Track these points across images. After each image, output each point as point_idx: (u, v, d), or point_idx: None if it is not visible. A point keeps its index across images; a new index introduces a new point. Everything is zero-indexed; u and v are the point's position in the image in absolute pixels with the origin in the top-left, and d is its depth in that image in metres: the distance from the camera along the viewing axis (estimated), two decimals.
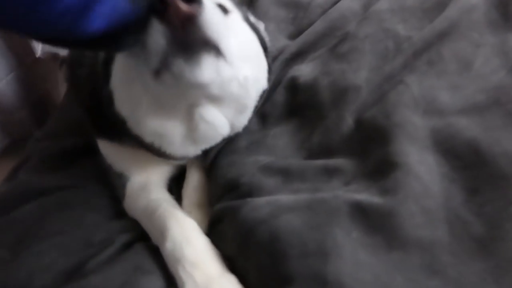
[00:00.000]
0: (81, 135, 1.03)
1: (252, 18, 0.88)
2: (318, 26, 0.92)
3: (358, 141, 0.63)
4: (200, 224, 0.72)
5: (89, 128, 0.92)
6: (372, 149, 0.59)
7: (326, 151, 0.66)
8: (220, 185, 0.72)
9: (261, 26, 0.90)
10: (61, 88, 1.69)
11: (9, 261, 0.82)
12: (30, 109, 1.72)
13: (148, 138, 0.74)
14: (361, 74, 0.70)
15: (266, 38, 0.86)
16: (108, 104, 0.74)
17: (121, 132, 0.78)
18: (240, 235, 0.57)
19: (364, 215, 0.51)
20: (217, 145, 0.82)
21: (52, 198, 0.89)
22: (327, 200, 0.54)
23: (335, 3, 0.98)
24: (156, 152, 0.79)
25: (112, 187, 0.87)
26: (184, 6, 0.50)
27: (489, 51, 0.65)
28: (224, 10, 0.67)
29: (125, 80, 0.70)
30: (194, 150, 0.76)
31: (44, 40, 0.53)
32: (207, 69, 0.55)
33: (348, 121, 0.65)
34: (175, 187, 0.88)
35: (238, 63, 0.64)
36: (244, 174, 0.68)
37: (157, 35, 0.52)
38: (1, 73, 1.61)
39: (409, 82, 0.64)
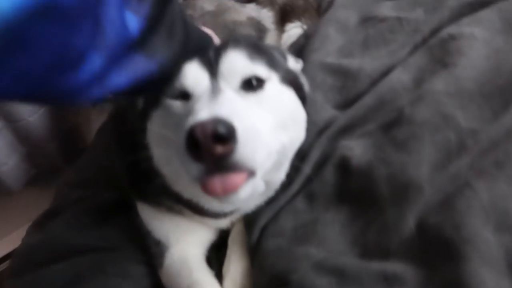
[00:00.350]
0: (116, 188, 1.01)
1: (291, 62, 0.86)
2: (367, 100, 0.90)
3: (420, 248, 0.60)
4: None
5: (128, 189, 0.90)
6: (439, 264, 0.56)
7: (383, 252, 0.63)
8: (267, 276, 0.69)
9: (298, 65, 0.89)
10: (92, 123, 1.69)
11: None
12: (59, 142, 1.73)
13: (186, 195, 0.74)
14: (423, 170, 0.67)
15: (305, 85, 0.85)
16: (146, 159, 0.73)
17: (160, 190, 0.77)
18: None
19: None
20: (258, 210, 0.80)
21: (86, 260, 0.87)
22: None
23: (385, 73, 0.95)
24: (195, 209, 0.77)
25: (149, 253, 0.85)
26: (219, 149, 0.50)
27: None
28: (259, 81, 0.65)
29: (161, 137, 0.69)
30: (231, 206, 0.76)
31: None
32: (243, 192, 0.55)
33: (410, 223, 0.62)
34: (215, 258, 0.85)
35: (276, 136, 0.64)
36: (295, 271, 0.65)
37: (190, 165, 0.53)
38: (34, 107, 1.62)
39: (477, 187, 0.61)
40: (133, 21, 0.47)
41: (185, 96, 0.64)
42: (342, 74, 0.99)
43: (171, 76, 0.62)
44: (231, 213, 0.81)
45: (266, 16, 1.44)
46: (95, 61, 0.43)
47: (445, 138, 0.70)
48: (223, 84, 0.63)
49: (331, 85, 0.97)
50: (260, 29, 1.37)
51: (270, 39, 1.39)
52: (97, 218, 0.95)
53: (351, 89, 0.96)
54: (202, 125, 0.49)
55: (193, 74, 0.63)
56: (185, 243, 0.83)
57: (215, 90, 0.62)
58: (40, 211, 1.71)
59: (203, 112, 0.52)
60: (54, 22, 0.38)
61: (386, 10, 1.14)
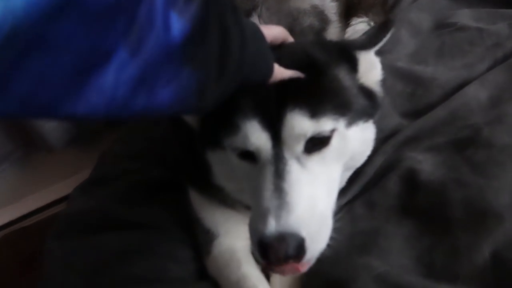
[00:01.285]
0: (167, 167, 1.01)
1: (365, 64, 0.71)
2: (439, 112, 0.86)
3: (495, 280, 0.57)
4: None
5: (182, 175, 0.90)
6: None
7: (451, 276, 0.61)
8: (323, 281, 0.68)
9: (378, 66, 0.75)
10: None
11: None
12: None
13: (245, 202, 0.74)
14: (503, 198, 0.64)
15: (380, 95, 0.74)
16: (206, 172, 0.73)
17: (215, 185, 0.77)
18: None
19: None
20: None
21: (134, 236, 0.88)
22: None
23: (459, 86, 0.91)
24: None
25: (196, 240, 0.85)
26: (290, 264, 0.55)
27: None
28: (321, 143, 0.60)
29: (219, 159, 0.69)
30: None
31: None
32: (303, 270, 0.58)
33: (484, 252, 0.60)
34: None
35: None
36: (354, 280, 0.63)
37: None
38: None
39: None
40: (178, 24, 0.40)
41: (249, 154, 0.61)
42: (413, 81, 0.95)
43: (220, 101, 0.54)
44: None
45: (330, 6, 1.39)
46: (124, 60, 0.37)
47: None
48: (286, 151, 0.59)
49: (401, 91, 0.94)
50: (323, 19, 1.32)
51: (332, 31, 1.34)
52: (146, 194, 0.95)
53: (422, 98, 0.92)
54: (275, 249, 0.53)
55: (255, 137, 0.59)
56: (235, 234, 0.82)
57: (278, 160, 0.59)
58: (78, 169, 1.75)
59: (271, 225, 0.54)
60: (77, 20, 0.33)
61: (465, 18, 1.08)
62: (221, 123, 0.62)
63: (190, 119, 0.70)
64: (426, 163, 0.77)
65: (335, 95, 0.62)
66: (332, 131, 0.60)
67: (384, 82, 0.94)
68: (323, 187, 0.61)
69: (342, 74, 0.65)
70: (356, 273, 0.65)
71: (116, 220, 0.92)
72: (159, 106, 0.43)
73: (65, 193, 1.85)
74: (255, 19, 1.12)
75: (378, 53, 1.01)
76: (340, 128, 0.61)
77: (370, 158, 0.82)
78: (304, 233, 0.55)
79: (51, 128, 1.66)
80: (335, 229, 0.69)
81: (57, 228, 1.03)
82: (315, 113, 0.58)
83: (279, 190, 0.56)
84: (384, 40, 0.69)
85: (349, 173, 0.74)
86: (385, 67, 0.97)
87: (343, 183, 0.76)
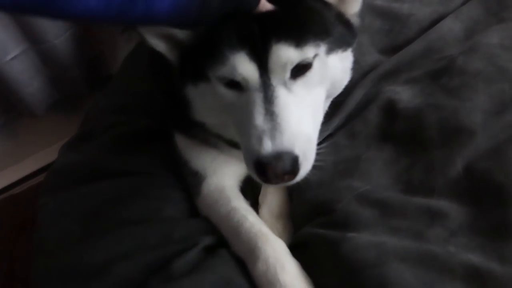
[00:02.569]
0: (152, 116, 1.02)
1: None
2: (415, 46, 0.89)
3: (467, 190, 0.62)
4: (279, 236, 0.72)
5: (165, 119, 0.91)
6: (487, 206, 0.58)
7: (427, 190, 0.65)
8: (309, 206, 0.72)
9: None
10: (117, 52, 1.67)
11: (81, 238, 0.84)
12: (83, 68, 1.72)
13: (227, 136, 0.78)
14: (476, 116, 0.68)
15: (357, 25, 0.74)
16: (185, 107, 0.74)
17: (195, 124, 0.79)
18: (342, 273, 0.58)
19: (481, 283, 0.50)
20: None
21: (125, 182, 0.90)
22: (439, 257, 0.54)
23: (435, 21, 0.93)
24: (230, 143, 0.80)
25: (185, 182, 0.87)
26: (286, 179, 0.59)
27: None
28: (304, 68, 0.63)
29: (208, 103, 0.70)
30: None
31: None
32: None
33: (457, 165, 0.64)
34: (250, 189, 0.88)
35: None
36: (338, 201, 0.67)
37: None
38: (60, 30, 1.59)
39: None
40: None
41: (236, 84, 0.63)
42: (391, 17, 0.97)
43: (214, 17, 0.57)
44: None
45: None
46: None
47: (500, 88, 0.71)
48: (273, 78, 0.62)
49: (379, 28, 0.96)
50: None
51: None
52: (134, 143, 0.96)
53: (399, 34, 0.94)
54: (273, 167, 0.57)
55: (243, 68, 0.61)
56: (222, 174, 0.85)
57: (266, 87, 0.61)
58: (63, 136, 1.74)
59: (267, 145, 0.58)
60: None
61: None
62: (208, 55, 0.63)
63: (171, 56, 0.71)
64: (404, 93, 0.80)
65: (314, 23, 0.64)
66: (314, 56, 0.62)
67: (362, 20, 0.96)
68: (309, 110, 0.63)
69: (317, 5, 0.67)
70: (339, 194, 0.68)
71: (106, 170, 0.93)
72: (158, 14, 0.44)
73: (52, 159, 1.85)
74: None
75: None
76: (321, 54, 0.63)
77: (351, 91, 0.85)
78: (297, 150, 0.58)
79: (32, 93, 1.64)
80: (319, 157, 0.73)
81: (47, 184, 1.04)
82: (299, 42, 0.60)
83: (270, 114, 0.59)
84: None
85: (330, 101, 0.76)
86: (364, 5, 0.99)
87: (325, 109, 0.78)
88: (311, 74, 0.63)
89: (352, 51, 0.71)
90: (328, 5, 0.68)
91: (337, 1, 0.69)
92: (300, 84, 0.62)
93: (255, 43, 0.60)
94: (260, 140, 0.58)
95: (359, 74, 0.88)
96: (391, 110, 0.78)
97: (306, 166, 0.61)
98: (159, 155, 0.94)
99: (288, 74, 0.62)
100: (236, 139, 0.73)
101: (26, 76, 1.61)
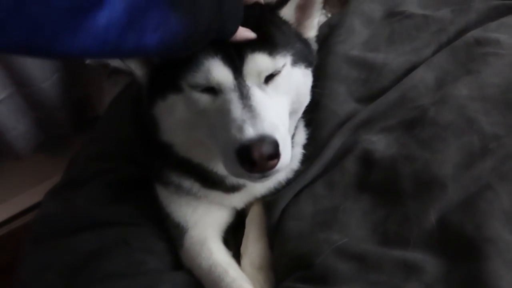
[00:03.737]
0: (136, 164, 1.03)
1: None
2: (390, 95, 0.93)
3: (441, 242, 0.64)
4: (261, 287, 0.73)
5: (149, 171, 0.92)
6: (460, 259, 0.60)
7: (403, 242, 0.67)
8: (289, 258, 0.73)
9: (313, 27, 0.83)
10: (103, 94, 1.69)
11: None
12: (69, 110, 1.73)
13: (196, 159, 0.79)
14: (446, 169, 0.70)
15: (314, 48, 0.84)
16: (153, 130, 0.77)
17: (168, 163, 0.83)
18: None
19: None
20: (277, 197, 0.84)
21: (110, 233, 0.90)
22: None
23: (408, 70, 0.98)
24: (205, 181, 0.82)
25: (169, 234, 0.88)
26: (270, 164, 0.60)
27: None
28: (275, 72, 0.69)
29: (179, 116, 0.72)
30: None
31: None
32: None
33: (431, 218, 0.66)
34: (232, 239, 0.89)
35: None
36: (318, 254, 0.69)
37: (235, 167, 0.62)
38: (47, 73, 1.62)
39: (498, 190, 0.65)
40: None
41: (210, 90, 0.67)
42: (366, 67, 1.01)
43: (199, 45, 0.61)
44: (238, 187, 0.84)
45: None
46: (115, 6, 0.41)
47: (469, 141, 0.74)
48: (248, 81, 0.66)
49: (356, 78, 1.00)
50: None
51: None
52: (120, 193, 0.97)
53: (375, 83, 0.98)
54: (259, 148, 0.59)
55: (218, 72, 0.65)
56: (203, 225, 0.87)
57: (241, 87, 0.65)
58: (47, 177, 1.74)
59: (249, 130, 0.60)
60: None
61: (412, 6, 1.15)
62: (180, 64, 0.66)
63: (140, 74, 0.74)
64: (379, 143, 0.83)
65: (280, 36, 0.71)
66: (283, 65, 0.69)
67: (339, 70, 1.00)
68: (281, 111, 0.68)
69: (280, 22, 0.76)
70: (318, 247, 0.70)
71: (91, 221, 0.94)
72: (148, 47, 0.47)
73: (36, 200, 1.83)
74: None
75: (334, 43, 1.07)
76: (288, 64, 0.70)
77: (328, 141, 0.88)
78: (277, 136, 0.61)
79: (17, 135, 1.64)
80: (298, 209, 0.75)
81: (32, 233, 1.04)
82: (271, 52, 0.67)
83: (248, 107, 0.63)
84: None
85: (295, 120, 0.79)
86: (341, 56, 1.04)
87: (292, 130, 0.81)
88: (280, 79, 0.69)
89: (312, 73, 0.78)
90: (288, 24, 0.77)
91: (296, 23, 0.78)
92: (271, 88, 0.68)
93: (229, 51, 0.66)
94: (241, 128, 0.60)
95: (336, 123, 0.92)
96: (367, 160, 0.81)
97: (285, 157, 0.62)
98: (144, 205, 0.95)
99: (262, 80, 0.68)
100: (205, 157, 0.77)
101: (12, 119, 1.62)
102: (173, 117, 0.71)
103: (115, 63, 1.58)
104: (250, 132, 0.59)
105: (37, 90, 1.61)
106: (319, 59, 1.06)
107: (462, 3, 1.12)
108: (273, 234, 0.80)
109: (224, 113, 0.64)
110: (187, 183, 0.85)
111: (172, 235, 0.88)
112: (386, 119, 0.89)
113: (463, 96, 0.84)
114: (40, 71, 1.58)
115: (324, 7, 1.38)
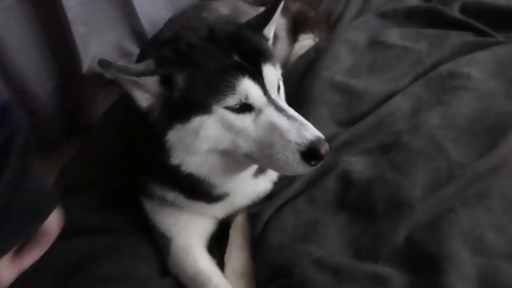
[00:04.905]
0: (125, 175, 1.08)
1: None
2: (369, 120, 1.00)
3: (408, 258, 0.71)
4: None
5: (134, 185, 0.97)
6: (422, 274, 0.67)
7: (374, 256, 0.74)
8: (270, 267, 0.79)
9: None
10: (96, 103, 1.74)
11: None
12: (62, 118, 1.77)
13: (200, 172, 0.82)
14: (415, 192, 0.78)
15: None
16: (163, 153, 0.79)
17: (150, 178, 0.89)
18: None
19: None
20: (261, 209, 0.90)
21: (102, 239, 0.95)
22: None
23: (387, 97, 1.06)
24: (189, 193, 0.88)
25: (156, 243, 0.93)
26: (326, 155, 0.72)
27: None
28: (279, 87, 0.81)
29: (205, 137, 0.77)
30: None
31: None
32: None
33: (400, 236, 0.73)
34: (216, 248, 0.94)
35: None
36: (297, 265, 0.75)
37: (298, 165, 0.73)
38: (42, 80, 1.66)
39: (459, 213, 0.72)
40: None
41: (245, 108, 0.74)
42: (349, 93, 1.09)
43: None
44: (222, 197, 0.89)
45: (279, 22, 1.52)
46: None
47: (437, 167, 0.82)
48: (271, 94, 0.77)
49: (338, 102, 1.08)
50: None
51: (281, 46, 1.47)
52: (111, 201, 1.02)
53: (356, 108, 1.06)
54: (324, 146, 0.72)
55: (254, 91, 0.74)
56: (187, 234, 0.92)
57: (272, 101, 0.76)
58: None
59: (308, 135, 0.72)
60: None
61: (393, 37, 1.24)
62: (211, 92, 0.73)
63: (146, 105, 0.77)
64: (358, 164, 0.91)
65: (272, 53, 0.82)
66: (280, 79, 0.81)
67: (323, 95, 1.08)
68: None
69: (265, 42, 0.87)
70: (298, 258, 0.76)
71: (83, 226, 0.98)
72: None
73: None
74: None
75: (320, 68, 1.15)
76: (279, 76, 0.81)
77: None
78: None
79: None
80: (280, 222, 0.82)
81: None
82: (274, 64, 0.79)
83: (291, 118, 0.74)
84: (272, 18, 0.86)
85: None
86: (326, 81, 1.12)
87: None
88: (282, 93, 0.83)
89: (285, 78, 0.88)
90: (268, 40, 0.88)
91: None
92: (282, 99, 0.81)
93: (249, 69, 0.74)
94: (300, 135, 0.71)
95: None
96: (346, 180, 0.88)
97: None
98: (133, 213, 1.00)
99: (276, 90, 0.79)
100: (210, 170, 0.81)
101: None
102: (196, 139, 0.75)
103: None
104: (309, 136, 0.71)
105: (32, 97, 1.65)
106: (306, 82, 1.14)
107: (439, 37, 1.22)
108: (256, 244, 0.86)
109: (272, 127, 0.73)
110: (171, 195, 0.90)
111: (158, 244, 0.93)
112: (365, 142, 0.97)
113: (434, 125, 0.92)
114: (36, 78, 1.62)
115: (312, 32, 1.47)
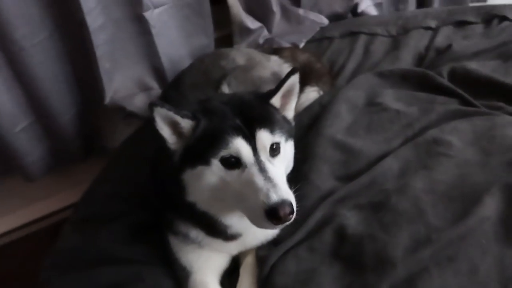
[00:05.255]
0: (154, 211, 1.23)
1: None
2: (363, 179, 1.17)
3: None
4: None
5: (162, 221, 1.13)
6: None
7: None
8: None
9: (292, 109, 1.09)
10: (116, 131, 1.89)
11: None
12: (79, 141, 1.92)
13: (216, 215, 0.99)
14: (398, 252, 0.94)
15: (293, 124, 1.08)
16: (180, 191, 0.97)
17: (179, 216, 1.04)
18: None
19: None
20: (268, 254, 1.05)
21: (127, 270, 1.10)
22: None
23: (380, 157, 1.22)
24: (210, 230, 1.03)
25: (176, 275, 1.08)
26: (288, 218, 0.84)
27: (491, 261, 0.90)
28: (277, 145, 0.95)
29: (208, 183, 0.93)
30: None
31: None
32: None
33: None
34: (228, 282, 1.10)
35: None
36: None
37: (263, 222, 0.86)
38: (66, 107, 1.80)
39: (432, 273, 0.89)
40: None
41: (234, 164, 0.90)
42: (347, 151, 1.26)
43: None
44: (235, 236, 1.04)
45: (287, 71, 1.68)
46: None
47: (417, 229, 0.98)
48: (261, 156, 0.91)
49: (338, 160, 1.24)
50: None
51: None
52: (137, 234, 1.18)
53: (352, 166, 1.23)
54: (283, 209, 0.83)
55: (245, 150, 0.90)
56: (205, 270, 1.07)
57: (259, 163, 0.90)
58: (51, 194, 1.91)
59: (273, 195, 0.84)
60: None
61: (388, 98, 1.42)
62: (210, 144, 0.90)
63: (171, 140, 0.96)
64: (352, 219, 1.07)
65: (275, 121, 0.97)
66: (279, 143, 0.95)
67: (325, 151, 1.24)
68: (282, 176, 0.93)
69: (273, 109, 1.02)
70: None
71: (111, 257, 1.13)
72: None
73: (36, 216, 2.00)
74: (224, 87, 1.39)
75: (323, 126, 1.31)
76: (282, 142, 0.96)
77: (312, 212, 1.11)
78: (291, 199, 0.86)
79: (32, 161, 1.81)
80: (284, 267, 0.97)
81: (53, 261, 1.22)
82: (271, 130, 0.93)
83: (268, 178, 0.86)
84: (284, 87, 1.01)
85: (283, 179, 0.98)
86: (327, 139, 1.28)
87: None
88: (281, 155, 0.96)
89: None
90: (277, 109, 1.03)
91: (281, 109, 1.04)
92: (275, 161, 0.94)
93: (245, 132, 0.90)
94: (267, 195, 0.84)
95: (319, 196, 1.15)
96: (341, 234, 1.04)
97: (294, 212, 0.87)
98: (156, 247, 1.15)
99: (268, 153, 0.92)
100: (219, 210, 0.98)
101: (29, 146, 1.80)
102: (200, 183, 0.93)
103: (132, 107, 1.79)
104: (274, 198, 0.83)
105: (55, 122, 1.79)
106: (310, 138, 1.31)
107: (428, 102, 1.39)
108: (263, 284, 1.02)
109: (250, 183, 0.87)
110: (193, 232, 1.06)
111: (178, 276, 1.08)
112: (359, 198, 1.13)
113: (418, 188, 1.09)
114: (60, 105, 1.77)
115: (317, 84, 1.63)
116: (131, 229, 1.20)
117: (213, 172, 0.91)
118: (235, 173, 0.90)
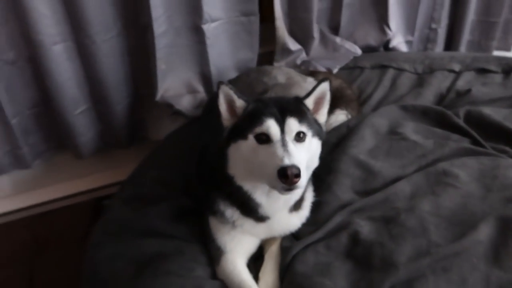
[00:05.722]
0: (193, 197, 1.44)
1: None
2: (378, 196, 1.36)
3: None
4: None
5: (203, 203, 1.33)
6: None
7: None
8: None
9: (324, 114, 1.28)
10: (162, 125, 2.10)
11: (133, 278, 1.21)
12: (128, 129, 2.13)
13: (249, 190, 1.19)
14: (402, 258, 1.13)
15: (324, 129, 1.26)
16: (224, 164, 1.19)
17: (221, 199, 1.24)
18: None
19: None
20: (291, 246, 1.24)
21: (170, 243, 1.30)
22: None
23: (394, 180, 1.41)
24: (245, 209, 1.22)
25: (209, 253, 1.28)
26: (295, 180, 1.01)
27: (479, 276, 1.08)
28: (303, 134, 1.13)
29: (242, 155, 1.14)
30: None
31: None
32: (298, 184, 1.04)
33: (386, 287, 1.08)
34: (252, 264, 1.29)
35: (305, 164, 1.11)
36: None
37: (276, 183, 1.03)
38: (120, 99, 2.03)
39: (429, 279, 1.07)
40: None
41: (264, 140, 1.10)
42: (366, 170, 1.45)
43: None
44: (265, 218, 1.23)
45: None
46: None
47: (420, 243, 1.17)
48: (287, 137, 1.10)
49: (358, 176, 1.43)
50: None
51: None
52: (179, 215, 1.38)
53: (370, 184, 1.42)
54: (291, 169, 1.00)
55: (274, 129, 1.10)
56: (237, 251, 1.27)
57: (284, 141, 1.08)
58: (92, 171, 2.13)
59: (286, 160, 1.02)
60: None
61: (409, 130, 1.61)
62: (251, 121, 1.11)
63: (225, 117, 1.19)
64: (365, 228, 1.26)
65: (304, 115, 1.16)
66: (306, 134, 1.13)
67: (348, 168, 1.44)
68: (302, 158, 1.09)
69: (306, 108, 1.22)
70: (315, 287, 1.11)
71: (157, 231, 1.34)
72: None
73: (79, 190, 2.23)
74: None
75: (349, 146, 1.51)
76: (309, 135, 1.14)
77: (333, 215, 1.30)
78: (300, 166, 1.02)
79: (84, 141, 2.03)
80: (304, 258, 1.17)
81: (104, 228, 1.43)
82: (300, 121, 1.12)
83: (286, 150, 1.05)
84: (316, 92, 1.21)
85: (308, 174, 1.18)
86: (351, 157, 1.48)
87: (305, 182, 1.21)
88: (305, 143, 1.12)
89: (322, 145, 1.20)
90: (310, 111, 1.22)
91: (314, 111, 1.23)
92: (299, 146, 1.10)
93: (277, 117, 1.11)
94: (282, 159, 1.02)
95: (338, 205, 1.35)
96: (355, 238, 1.23)
97: (303, 180, 1.03)
98: (196, 228, 1.35)
99: (293, 137, 1.10)
100: (252, 186, 1.17)
101: (84, 127, 2.02)
102: (238, 155, 1.15)
103: (179, 106, 2.01)
104: (286, 161, 1.01)
105: (109, 109, 2.02)
106: (336, 155, 1.51)
107: (443, 138, 1.58)
108: (284, 271, 1.21)
109: (272, 154, 1.06)
110: (229, 212, 1.24)
111: (212, 254, 1.28)
112: (373, 212, 1.32)
113: (425, 210, 1.27)
114: (117, 95, 1.99)
115: (346, 109, 1.83)
116: (175, 211, 1.40)
117: (248, 145, 1.12)
118: (264, 147, 1.10)
